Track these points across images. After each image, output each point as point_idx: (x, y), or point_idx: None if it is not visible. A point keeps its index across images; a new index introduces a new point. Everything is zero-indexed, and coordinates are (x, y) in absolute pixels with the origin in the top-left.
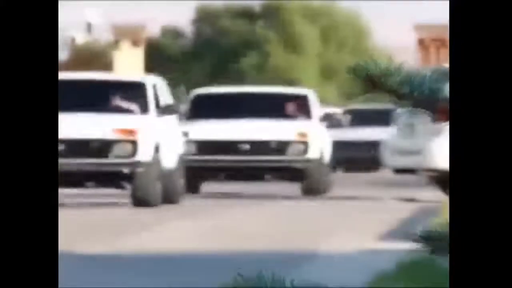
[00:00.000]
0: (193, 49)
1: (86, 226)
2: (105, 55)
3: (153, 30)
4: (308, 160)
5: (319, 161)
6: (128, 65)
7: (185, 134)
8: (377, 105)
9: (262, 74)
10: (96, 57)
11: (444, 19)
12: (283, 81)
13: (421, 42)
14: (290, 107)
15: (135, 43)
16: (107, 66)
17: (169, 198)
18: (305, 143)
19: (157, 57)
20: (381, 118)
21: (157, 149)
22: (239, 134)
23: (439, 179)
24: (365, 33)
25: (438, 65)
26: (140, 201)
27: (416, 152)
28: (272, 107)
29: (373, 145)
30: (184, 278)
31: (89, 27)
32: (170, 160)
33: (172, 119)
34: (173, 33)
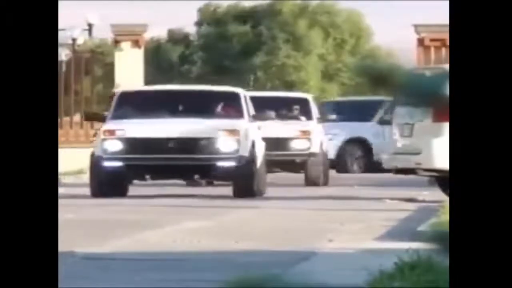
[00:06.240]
0: (195, 51)
1: (86, 225)
2: (106, 55)
3: (155, 31)
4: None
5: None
6: (128, 65)
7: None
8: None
9: (265, 76)
10: (96, 57)
11: (444, 19)
12: (286, 81)
13: (421, 42)
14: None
15: (136, 43)
16: (108, 66)
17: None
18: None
19: (158, 58)
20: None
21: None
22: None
23: (439, 179)
24: (366, 33)
25: (438, 65)
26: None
27: (416, 152)
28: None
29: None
30: (184, 277)
31: (89, 27)
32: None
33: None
34: (175, 35)
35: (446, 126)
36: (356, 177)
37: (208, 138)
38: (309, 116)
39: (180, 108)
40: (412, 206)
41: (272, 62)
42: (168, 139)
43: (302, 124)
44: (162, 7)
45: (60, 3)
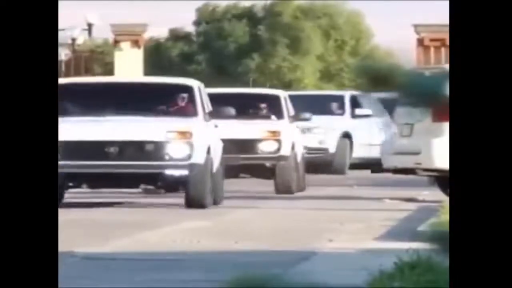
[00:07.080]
0: (194, 51)
1: (86, 225)
2: (106, 55)
3: (154, 31)
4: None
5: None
6: (128, 65)
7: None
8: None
9: (264, 76)
10: (96, 57)
11: (444, 19)
12: (284, 81)
13: (421, 42)
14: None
15: (135, 43)
16: (107, 66)
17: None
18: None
19: (158, 58)
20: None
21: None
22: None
23: (439, 179)
24: (366, 34)
25: (437, 65)
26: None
27: (415, 152)
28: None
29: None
30: (184, 277)
31: (89, 27)
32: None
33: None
34: (175, 34)
35: (446, 126)
36: (355, 177)
37: (155, 142)
38: (280, 115)
39: (124, 104)
40: (412, 206)
41: (269, 63)
42: (109, 143)
43: (271, 123)
44: (162, 7)
45: (60, 3)
